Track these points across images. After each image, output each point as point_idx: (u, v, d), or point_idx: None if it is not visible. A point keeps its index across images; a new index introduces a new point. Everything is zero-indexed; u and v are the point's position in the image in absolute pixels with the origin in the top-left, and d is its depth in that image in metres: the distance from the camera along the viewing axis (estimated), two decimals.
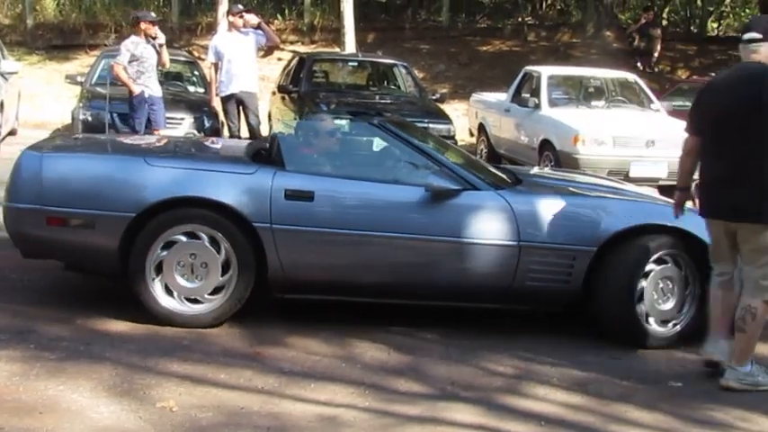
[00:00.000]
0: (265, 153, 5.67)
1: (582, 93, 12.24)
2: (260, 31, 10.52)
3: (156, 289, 5.04)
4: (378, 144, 5.81)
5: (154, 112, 9.69)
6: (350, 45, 16.02)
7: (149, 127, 9.63)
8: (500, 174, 5.93)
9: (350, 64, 14.07)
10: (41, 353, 4.55)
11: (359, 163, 5.70)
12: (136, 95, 9.53)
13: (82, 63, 16.69)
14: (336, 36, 17.42)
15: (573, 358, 5.11)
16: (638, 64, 18.00)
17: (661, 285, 5.32)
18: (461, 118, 14.29)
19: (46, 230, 5.06)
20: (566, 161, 9.98)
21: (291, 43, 18.41)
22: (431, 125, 10.08)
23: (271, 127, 12.62)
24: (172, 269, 5.03)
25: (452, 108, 14.67)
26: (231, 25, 10.56)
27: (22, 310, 5.17)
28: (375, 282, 5.25)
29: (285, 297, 5.28)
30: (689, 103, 13.48)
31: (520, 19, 20.84)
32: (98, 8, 19.18)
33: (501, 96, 12.79)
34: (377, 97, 12.05)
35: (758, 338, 4.76)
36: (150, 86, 9.65)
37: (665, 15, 22.45)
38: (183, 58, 13.21)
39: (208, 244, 5.03)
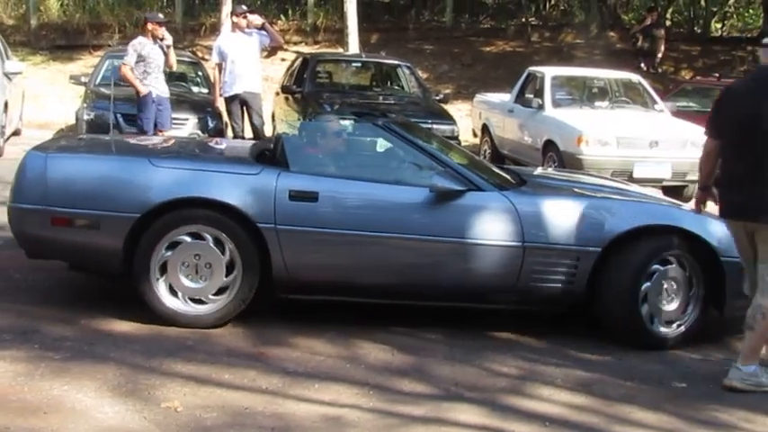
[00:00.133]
0: (269, 154, 5.68)
1: (585, 93, 12.22)
2: (264, 32, 10.53)
3: (161, 289, 5.05)
4: (382, 145, 5.82)
5: (160, 112, 9.72)
6: (353, 46, 16.01)
7: (155, 127, 9.65)
8: (504, 174, 5.93)
9: (353, 64, 14.06)
10: (46, 353, 4.56)
11: (363, 164, 5.71)
12: (143, 96, 9.56)
13: (86, 63, 16.70)
14: (340, 37, 17.41)
15: (577, 359, 5.12)
16: (642, 64, 17.98)
17: (665, 286, 5.32)
18: (465, 118, 14.28)
19: (51, 231, 5.07)
20: (569, 162, 9.97)
21: (295, 44, 18.41)
22: (434, 126, 10.07)
23: (274, 127, 12.61)
24: (176, 269, 5.04)
25: (456, 108, 14.68)
26: (235, 26, 10.57)
27: (27, 311, 5.18)
28: (379, 282, 5.25)
29: (289, 297, 5.28)
30: (693, 104, 13.59)
31: (523, 19, 20.81)
32: (102, 8, 19.18)
33: (504, 97, 12.78)
34: (380, 98, 12.06)
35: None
36: (157, 87, 9.68)
37: (668, 16, 22.41)
38: (186, 59, 13.21)
39: (212, 244, 5.04)
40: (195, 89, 12.49)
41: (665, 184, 10.13)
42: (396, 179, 5.36)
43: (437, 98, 12.28)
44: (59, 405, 3.96)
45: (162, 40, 9.76)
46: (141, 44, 9.64)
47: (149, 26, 9.75)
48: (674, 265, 5.33)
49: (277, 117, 12.77)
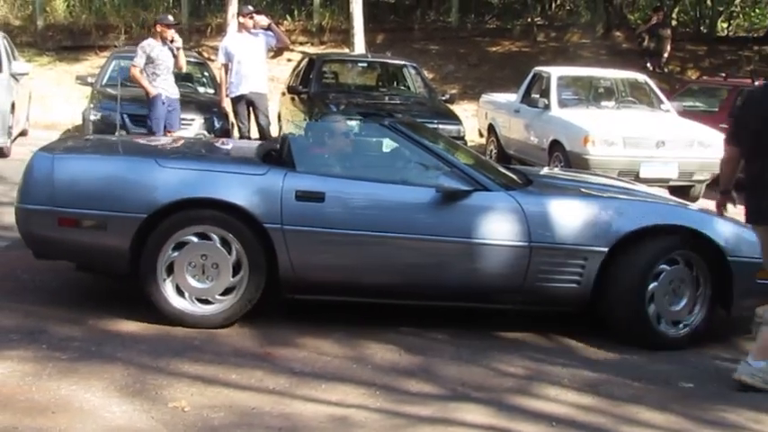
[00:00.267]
0: (276, 154, 5.68)
1: (592, 93, 12.21)
2: (270, 33, 10.54)
3: (168, 289, 5.05)
4: (388, 145, 5.82)
5: (169, 113, 9.78)
6: (359, 46, 16.01)
7: (165, 128, 9.70)
8: (510, 174, 5.92)
9: (359, 65, 14.06)
10: (53, 353, 4.56)
11: (369, 164, 5.71)
12: (152, 96, 9.60)
13: (92, 64, 16.74)
14: (346, 37, 17.41)
15: (584, 359, 5.12)
16: (648, 64, 17.95)
17: (672, 286, 5.31)
18: (471, 119, 14.27)
19: (58, 231, 5.08)
20: (576, 162, 9.97)
21: (301, 44, 18.42)
22: (440, 126, 10.07)
23: (280, 128, 12.64)
24: (183, 270, 5.04)
25: (462, 109, 14.67)
26: (241, 26, 10.59)
27: (34, 311, 5.19)
28: (386, 282, 5.25)
29: (296, 298, 5.28)
30: (699, 104, 13.58)
31: (529, 19, 20.80)
32: (108, 9, 19.22)
33: (511, 97, 12.78)
34: (386, 98, 12.05)
35: None
36: (166, 89, 9.72)
37: (674, 15, 22.37)
38: (192, 60, 13.23)
39: (219, 245, 5.04)
40: (201, 89, 12.51)
41: (671, 183, 10.13)
42: (402, 179, 5.36)
43: (443, 98, 12.28)
44: (67, 405, 3.96)
45: (172, 42, 9.81)
46: (150, 46, 9.71)
47: (158, 28, 9.83)
48: (681, 265, 5.32)
49: (283, 117, 12.80)
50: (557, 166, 10.19)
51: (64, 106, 14.87)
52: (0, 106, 10.66)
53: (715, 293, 5.39)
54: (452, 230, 5.17)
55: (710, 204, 8.77)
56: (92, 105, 11.19)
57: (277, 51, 12.06)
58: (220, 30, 16.94)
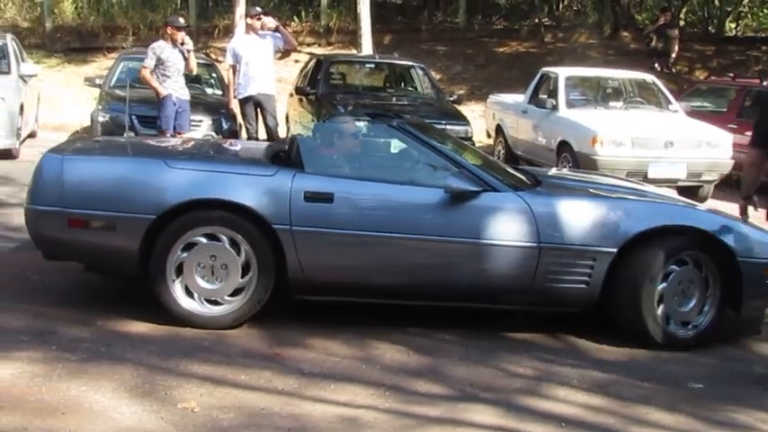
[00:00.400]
0: (285, 155, 5.69)
1: (600, 94, 12.20)
2: (278, 35, 10.56)
3: (177, 290, 5.06)
4: (396, 146, 5.82)
5: (179, 115, 9.82)
6: (366, 47, 16.02)
7: (174, 129, 9.74)
8: (519, 175, 5.92)
9: (367, 66, 14.07)
10: (63, 354, 4.57)
11: (378, 165, 5.71)
12: (163, 97, 9.64)
13: (100, 66, 16.79)
14: (353, 38, 17.42)
15: (593, 359, 5.11)
16: (656, 65, 17.92)
17: (681, 287, 5.31)
18: (478, 119, 14.28)
19: (67, 232, 5.09)
20: (584, 162, 9.96)
21: (308, 45, 18.45)
22: (448, 126, 10.06)
23: (288, 129, 12.66)
24: (192, 271, 5.05)
25: (469, 109, 14.68)
26: (249, 28, 10.60)
27: (44, 312, 5.20)
28: (394, 283, 5.25)
29: (304, 299, 5.28)
30: (707, 104, 13.55)
31: (536, 20, 20.79)
32: (116, 11, 19.28)
33: (518, 98, 12.77)
34: (394, 99, 12.05)
35: None
36: (176, 90, 9.76)
37: (682, 16, 22.33)
38: (201, 61, 13.24)
39: (228, 246, 5.05)
40: (209, 91, 12.53)
41: (680, 184, 10.12)
42: (410, 180, 5.36)
43: (451, 99, 12.27)
44: (77, 406, 3.97)
45: (183, 45, 9.85)
46: (161, 48, 9.77)
47: (169, 30, 9.89)
48: (690, 266, 5.31)
49: (291, 118, 12.82)
50: (565, 167, 10.18)
51: (72, 108, 14.92)
52: (9, 108, 10.70)
53: (724, 294, 5.37)
54: (461, 231, 5.17)
55: (719, 205, 8.80)
56: (100, 107, 11.23)
57: (284, 53, 12.05)
58: (228, 31, 16.98)
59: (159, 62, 9.69)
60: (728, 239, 5.28)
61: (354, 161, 5.73)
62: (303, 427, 3.94)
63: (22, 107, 11.15)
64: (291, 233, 5.05)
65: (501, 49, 19.73)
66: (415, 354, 4.98)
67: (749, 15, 23.79)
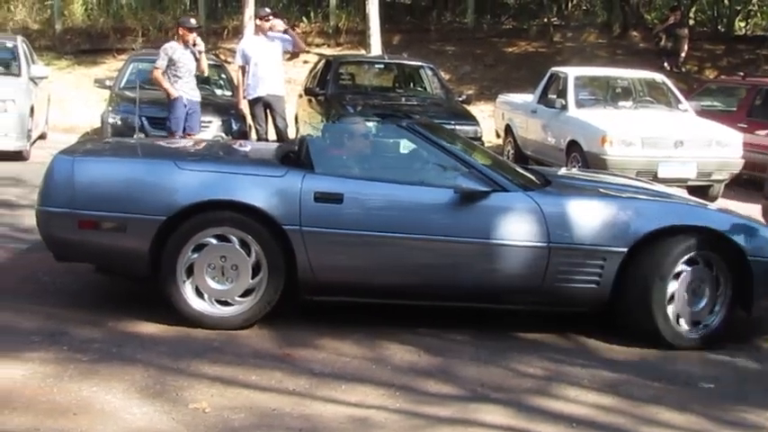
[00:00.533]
0: (294, 156, 5.69)
1: (609, 93, 12.19)
2: (287, 37, 10.57)
3: (187, 291, 5.07)
4: (406, 146, 5.81)
5: (190, 116, 9.85)
6: (375, 47, 16.03)
7: (183, 131, 9.77)
8: (529, 175, 5.91)
9: (376, 66, 14.10)
10: (74, 354, 4.59)
11: (387, 165, 5.71)
12: (173, 98, 9.67)
13: (110, 67, 16.84)
14: (362, 38, 17.43)
15: (603, 359, 5.10)
16: (665, 64, 17.88)
17: (692, 287, 5.29)
18: (487, 119, 14.27)
19: (78, 234, 5.10)
20: (593, 162, 9.95)
21: (317, 46, 18.47)
22: (457, 126, 10.05)
23: (297, 129, 12.67)
24: (202, 271, 5.06)
25: (478, 109, 14.67)
26: (258, 29, 10.62)
27: (55, 313, 5.22)
28: (405, 284, 5.25)
29: (314, 299, 5.29)
30: (717, 104, 13.53)
31: (545, 20, 20.77)
32: (125, 12, 19.35)
33: (527, 97, 12.77)
34: (403, 99, 12.07)
35: None
36: (187, 91, 9.79)
37: (691, 15, 22.29)
38: (210, 62, 13.26)
39: (238, 246, 5.06)
40: (219, 92, 12.56)
41: (690, 183, 10.10)
42: (420, 180, 5.36)
43: (460, 99, 12.28)
44: (88, 406, 3.98)
45: (194, 45, 9.89)
46: (172, 48, 9.81)
47: (180, 31, 9.93)
48: (700, 266, 5.30)
49: (300, 119, 12.83)
50: (574, 167, 10.17)
51: (82, 109, 14.97)
52: (19, 110, 10.75)
53: (735, 294, 5.36)
54: (471, 231, 5.17)
55: (729, 204, 8.78)
56: (110, 108, 11.26)
57: (293, 54, 12.07)
58: (237, 32, 17.01)
59: (171, 63, 9.73)
60: (739, 239, 5.27)
61: (364, 162, 5.73)
62: (314, 428, 3.94)
63: (32, 109, 11.19)
64: (301, 234, 5.06)
65: (510, 49, 19.72)
66: (425, 354, 4.99)
67: (759, 14, 23.72)
